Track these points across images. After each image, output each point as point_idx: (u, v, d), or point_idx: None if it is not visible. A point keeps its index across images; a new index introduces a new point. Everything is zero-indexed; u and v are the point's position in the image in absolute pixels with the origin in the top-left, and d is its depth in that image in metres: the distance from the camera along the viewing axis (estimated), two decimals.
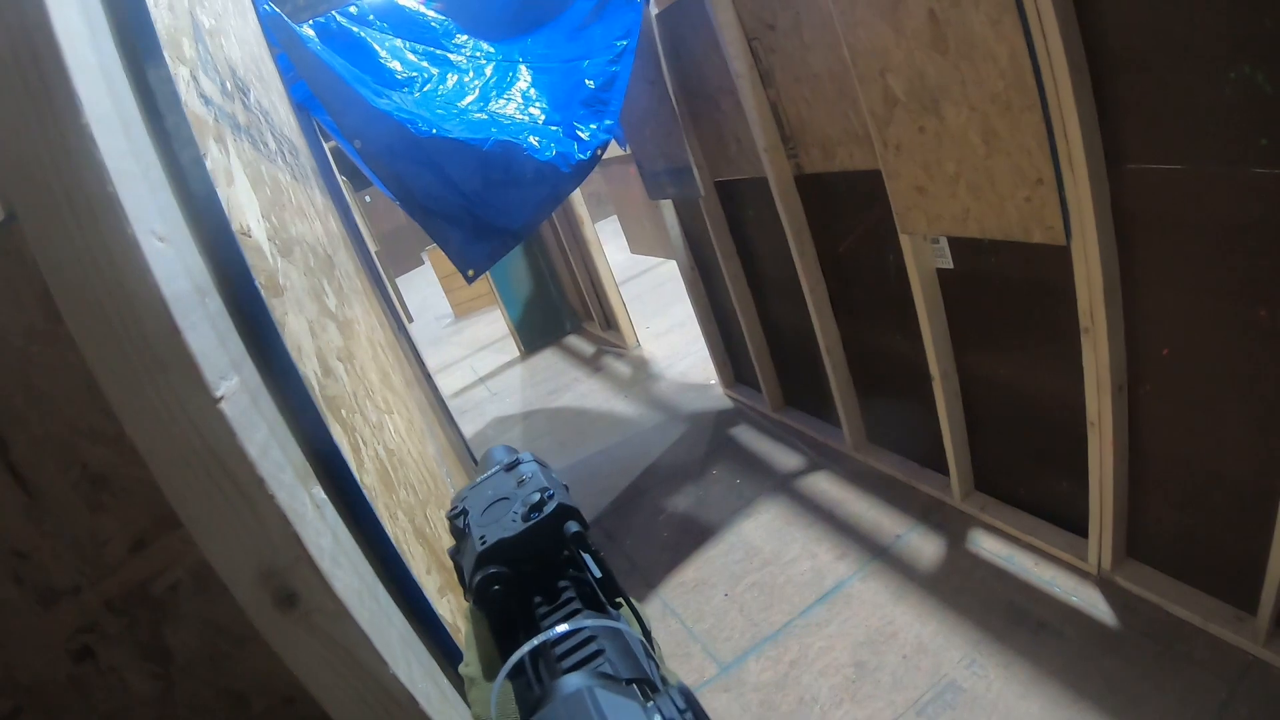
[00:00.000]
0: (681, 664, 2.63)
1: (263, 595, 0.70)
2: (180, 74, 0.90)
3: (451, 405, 5.59)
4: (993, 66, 1.84)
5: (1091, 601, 2.32)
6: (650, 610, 2.96)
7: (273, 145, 1.54)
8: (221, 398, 0.66)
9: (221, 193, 0.86)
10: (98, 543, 0.76)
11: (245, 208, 1.01)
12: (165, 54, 0.82)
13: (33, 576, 0.75)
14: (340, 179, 4.06)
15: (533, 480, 0.82)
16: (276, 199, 1.30)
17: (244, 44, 1.74)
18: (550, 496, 0.77)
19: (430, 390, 3.64)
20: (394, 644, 0.81)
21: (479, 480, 0.88)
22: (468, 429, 5.57)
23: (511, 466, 0.87)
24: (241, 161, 1.10)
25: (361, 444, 1.16)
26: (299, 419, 0.84)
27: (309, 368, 1.00)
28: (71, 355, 0.65)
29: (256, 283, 0.84)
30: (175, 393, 0.64)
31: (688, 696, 0.53)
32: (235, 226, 0.87)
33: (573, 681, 0.55)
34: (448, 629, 1.00)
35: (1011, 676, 2.17)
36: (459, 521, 0.83)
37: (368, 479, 1.07)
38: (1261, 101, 1.46)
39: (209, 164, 0.85)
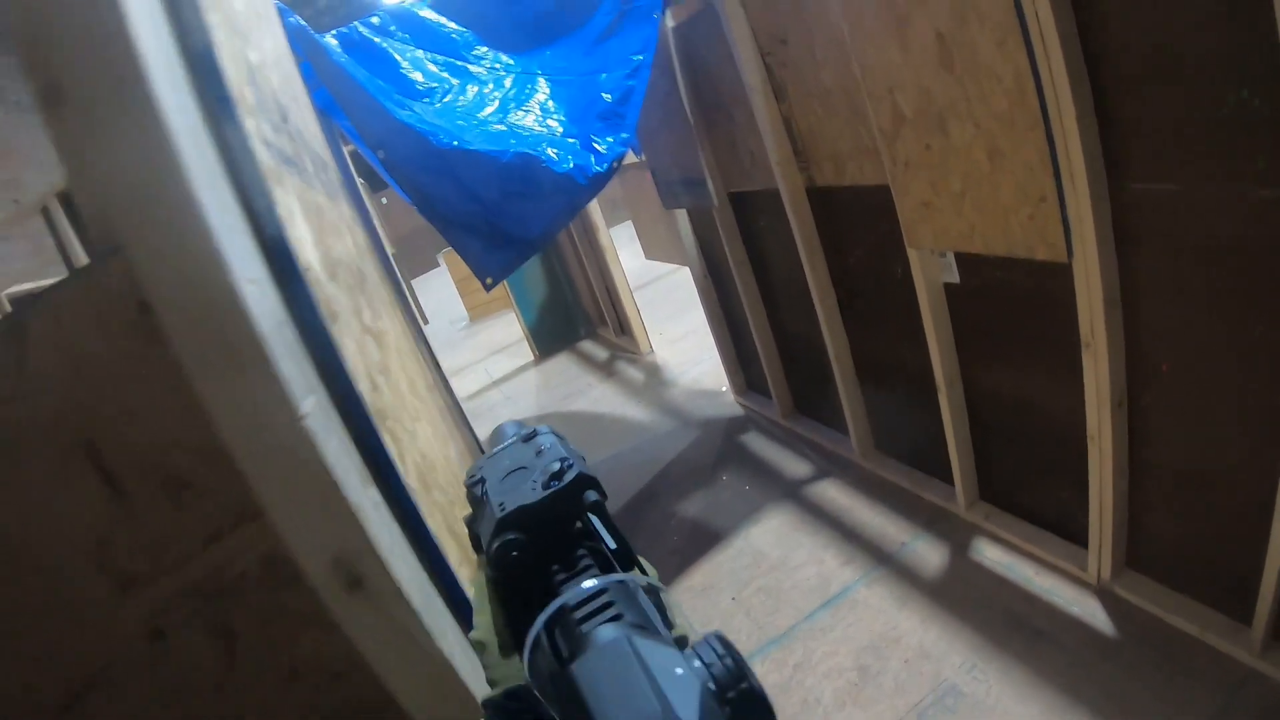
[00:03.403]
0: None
1: (334, 579, 0.84)
2: (249, 127, 1.01)
3: (465, 408, 5.66)
4: (997, 86, 1.89)
5: (1090, 611, 2.35)
6: None
7: (310, 168, 1.62)
8: (305, 415, 0.79)
9: (288, 234, 0.98)
10: (176, 536, 0.87)
11: (304, 241, 1.12)
12: (238, 111, 0.92)
13: (114, 564, 0.86)
14: (358, 181, 4.14)
15: (551, 450, 0.83)
16: (321, 224, 1.40)
17: (279, 65, 1.82)
18: (570, 466, 0.78)
19: (447, 393, 3.71)
20: (438, 622, 0.93)
21: (495, 450, 0.90)
22: (481, 432, 5.62)
23: (529, 438, 0.89)
24: (297, 198, 1.20)
25: (404, 451, 1.25)
26: (357, 431, 0.96)
27: (362, 385, 1.11)
28: (158, 375, 0.79)
29: (322, 315, 0.96)
30: (271, 413, 0.78)
31: (725, 642, 0.53)
32: (301, 264, 0.98)
33: (608, 632, 0.57)
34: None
35: (1010, 681, 2.21)
36: (476, 489, 0.84)
37: (411, 481, 1.17)
38: (1258, 123, 1.49)
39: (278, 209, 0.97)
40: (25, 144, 5.18)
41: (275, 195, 1.00)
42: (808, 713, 2.34)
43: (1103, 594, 2.38)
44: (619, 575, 0.67)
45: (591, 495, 0.76)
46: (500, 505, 0.76)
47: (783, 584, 2.96)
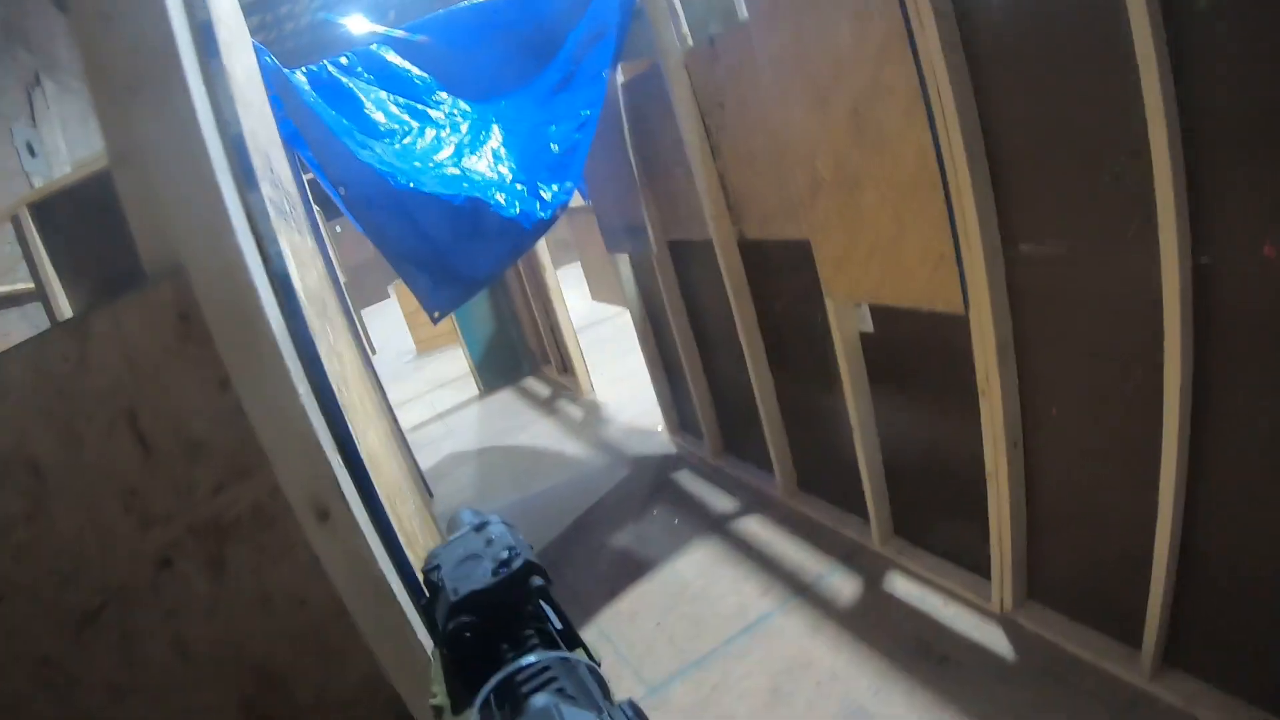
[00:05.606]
0: (612, 685, 2.76)
1: (310, 510, 1.15)
2: (264, 191, 1.30)
3: (410, 439, 5.72)
4: (903, 157, 2.10)
5: (993, 639, 2.49)
6: (586, 636, 3.09)
7: (288, 208, 1.79)
8: (300, 394, 1.12)
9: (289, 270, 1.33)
10: (190, 486, 1.15)
11: (295, 275, 1.40)
12: (260, 183, 1.26)
13: (138, 507, 1.13)
14: (315, 209, 4.24)
15: (500, 539, 0.92)
16: (299, 260, 1.64)
17: (262, 117, 1.99)
18: (517, 554, 0.87)
19: (392, 422, 3.80)
20: (378, 551, 1.23)
21: (450, 540, 0.98)
22: (424, 462, 5.69)
23: (480, 528, 0.97)
24: (289, 245, 1.46)
25: (359, 436, 1.49)
26: (329, 414, 1.26)
27: (335, 385, 1.39)
28: (188, 364, 1.12)
29: (310, 329, 1.28)
30: (279, 391, 1.14)
31: (636, 709, 0.60)
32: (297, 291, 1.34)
33: (540, 700, 0.64)
34: (401, 545, 1.40)
35: (914, 703, 2.34)
36: (433, 576, 0.92)
37: (364, 456, 1.42)
38: (1129, 193, 1.69)
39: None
40: None
41: (281, 243, 1.29)
42: None
43: (1006, 623, 2.53)
44: (561, 653, 0.76)
45: (537, 580, 0.86)
46: (454, 590, 0.85)
47: (704, 612, 3.09)
